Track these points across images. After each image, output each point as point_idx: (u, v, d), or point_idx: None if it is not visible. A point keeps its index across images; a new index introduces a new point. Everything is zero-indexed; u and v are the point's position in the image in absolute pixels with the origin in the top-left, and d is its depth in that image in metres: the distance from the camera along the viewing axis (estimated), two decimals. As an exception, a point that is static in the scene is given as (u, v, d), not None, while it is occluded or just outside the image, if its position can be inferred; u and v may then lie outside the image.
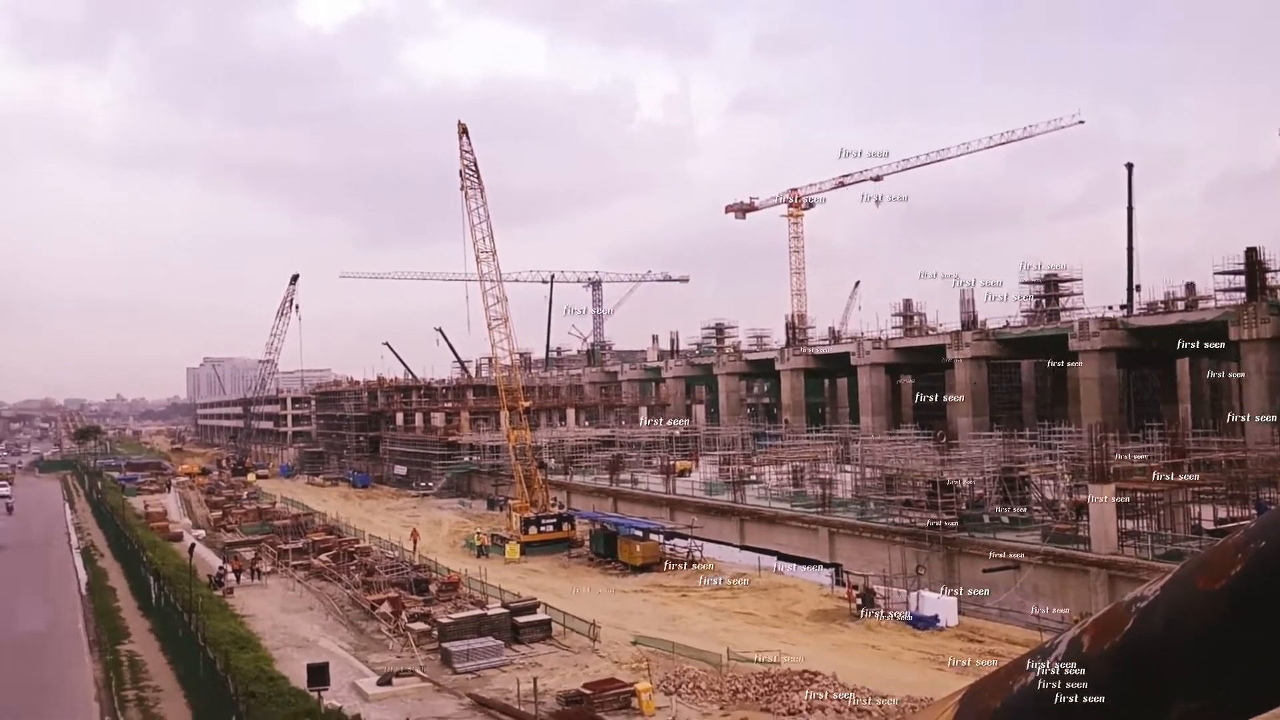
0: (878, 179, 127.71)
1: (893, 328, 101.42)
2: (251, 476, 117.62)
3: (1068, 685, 1.70)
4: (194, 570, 38.65)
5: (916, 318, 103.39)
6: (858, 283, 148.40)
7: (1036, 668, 1.80)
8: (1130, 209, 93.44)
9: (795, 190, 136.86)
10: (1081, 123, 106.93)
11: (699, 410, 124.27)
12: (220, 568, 50.33)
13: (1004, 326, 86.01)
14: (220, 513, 79.68)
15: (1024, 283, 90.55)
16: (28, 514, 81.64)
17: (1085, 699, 1.61)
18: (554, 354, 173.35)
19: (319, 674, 25.76)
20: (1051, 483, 49.53)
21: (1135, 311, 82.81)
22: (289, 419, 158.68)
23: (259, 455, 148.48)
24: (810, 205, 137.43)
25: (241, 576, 49.80)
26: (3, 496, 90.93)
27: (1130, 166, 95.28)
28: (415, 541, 58.87)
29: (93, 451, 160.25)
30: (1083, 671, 1.64)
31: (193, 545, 57.88)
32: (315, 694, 24.55)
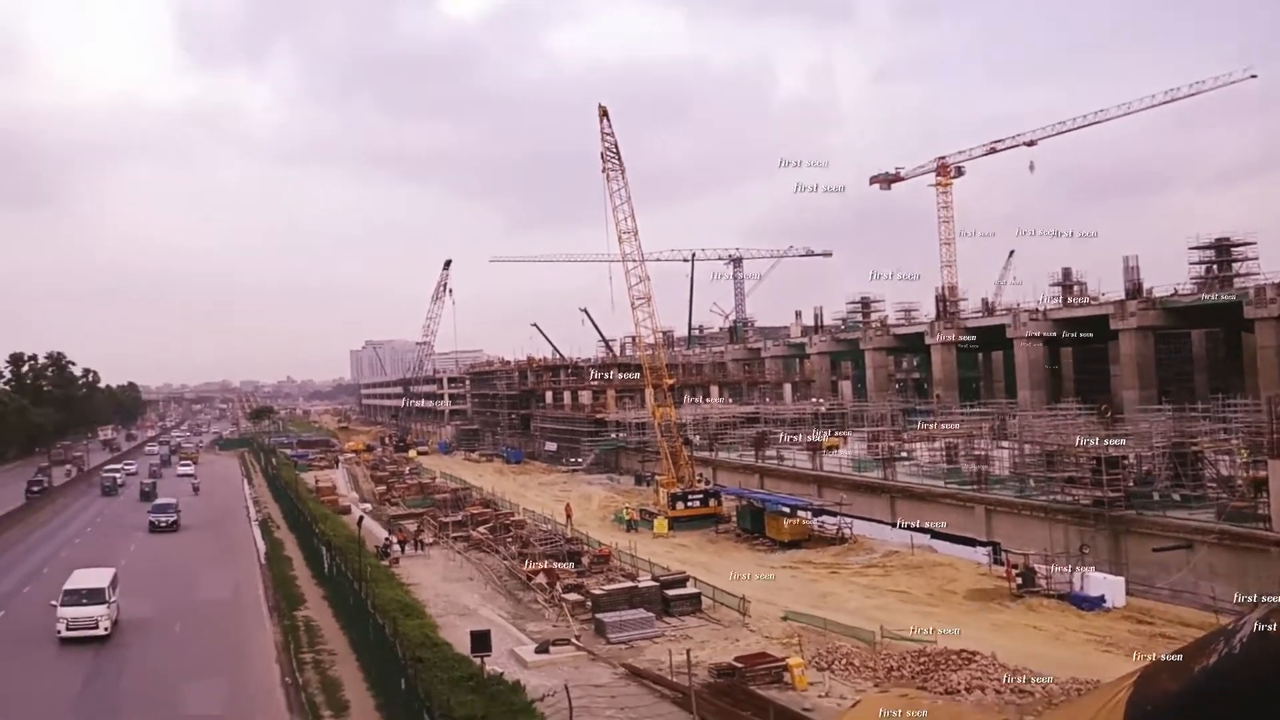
0: (1031, 144, 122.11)
1: (1050, 298, 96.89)
2: (412, 453, 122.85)
3: (1257, 669, 1.66)
4: (362, 541, 40.72)
5: (1076, 287, 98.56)
6: (1012, 252, 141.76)
7: (1221, 650, 1.77)
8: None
9: (943, 158, 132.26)
10: (1254, 76, 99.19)
11: (845, 386, 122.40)
12: (386, 539, 52.73)
13: (1171, 295, 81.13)
14: (385, 487, 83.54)
15: (1193, 248, 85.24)
16: (210, 489, 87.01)
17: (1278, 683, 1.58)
18: (696, 332, 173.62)
19: (482, 641, 26.71)
20: (1227, 458, 46.52)
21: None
22: (445, 398, 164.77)
23: (419, 432, 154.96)
24: (960, 173, 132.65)
25: (406, 547, 52.06)
26: (188, 476, 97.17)
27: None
28: (569, 516, 60.35)
29: (266, 430, 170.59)
30: (1273, 655, 1.62)
31: (360, 518, 61.16)
32: (478, 660, 25.52)
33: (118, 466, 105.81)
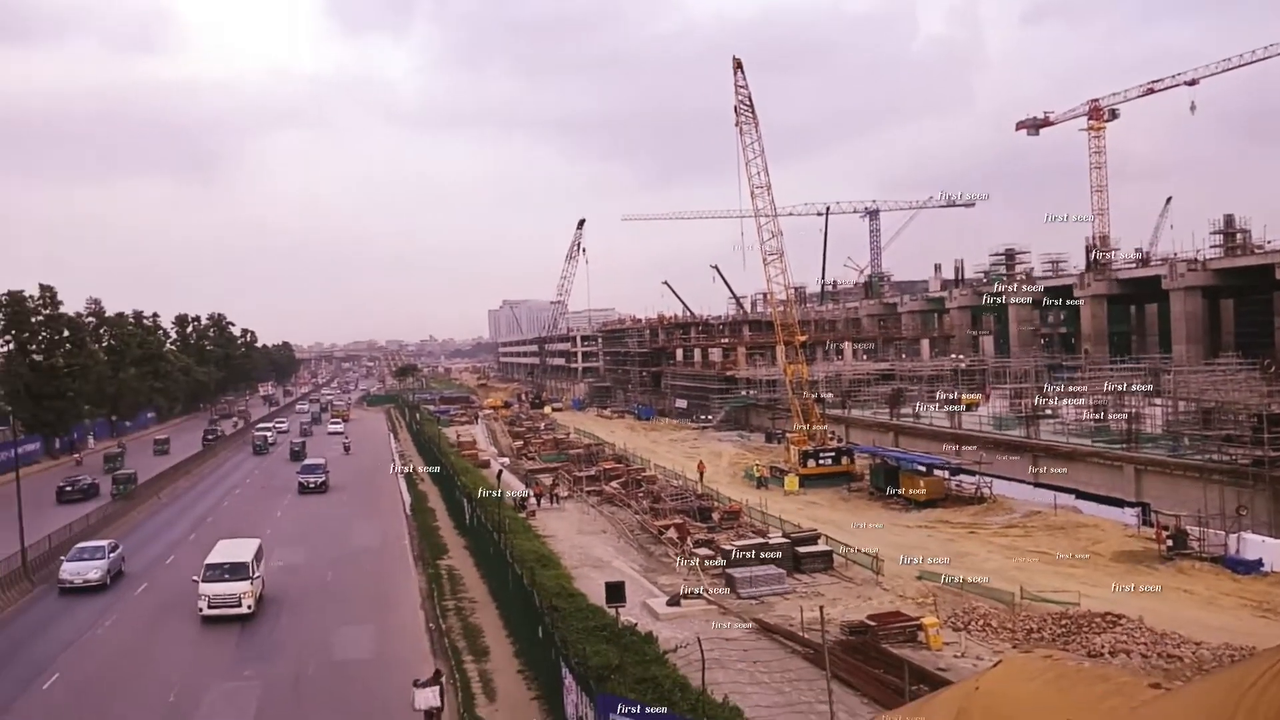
0: (1193, 83, 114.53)
1: (1210, 247, 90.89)
2: (548, 409, 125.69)
3: None
4: (501, 494, 41.94)
5: (1239, 235, 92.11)
6: (1169, 199, 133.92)
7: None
8: None
9: (1096, 101, 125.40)
10: None
11: (986, 342, 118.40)
12: (524, 492, 54.28)
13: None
14: (521, 442, 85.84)
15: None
16: (359, 446, 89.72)
17: None
18: (830, 287, 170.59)
19: (616, 592, 27.23)
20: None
21: None
22: (579, 356, 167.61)
23: (553, 390, 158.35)
24: (1113, 116, 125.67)
25: (542, 500, 53.52)
26: (338, 434, 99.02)
27: None
28: (701, 473, 60.74)
29: (410, 387, 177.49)
30: None
31: (499, 471, 63.21)
32: (612, 610, 26.02)
33: (269, 425, 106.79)
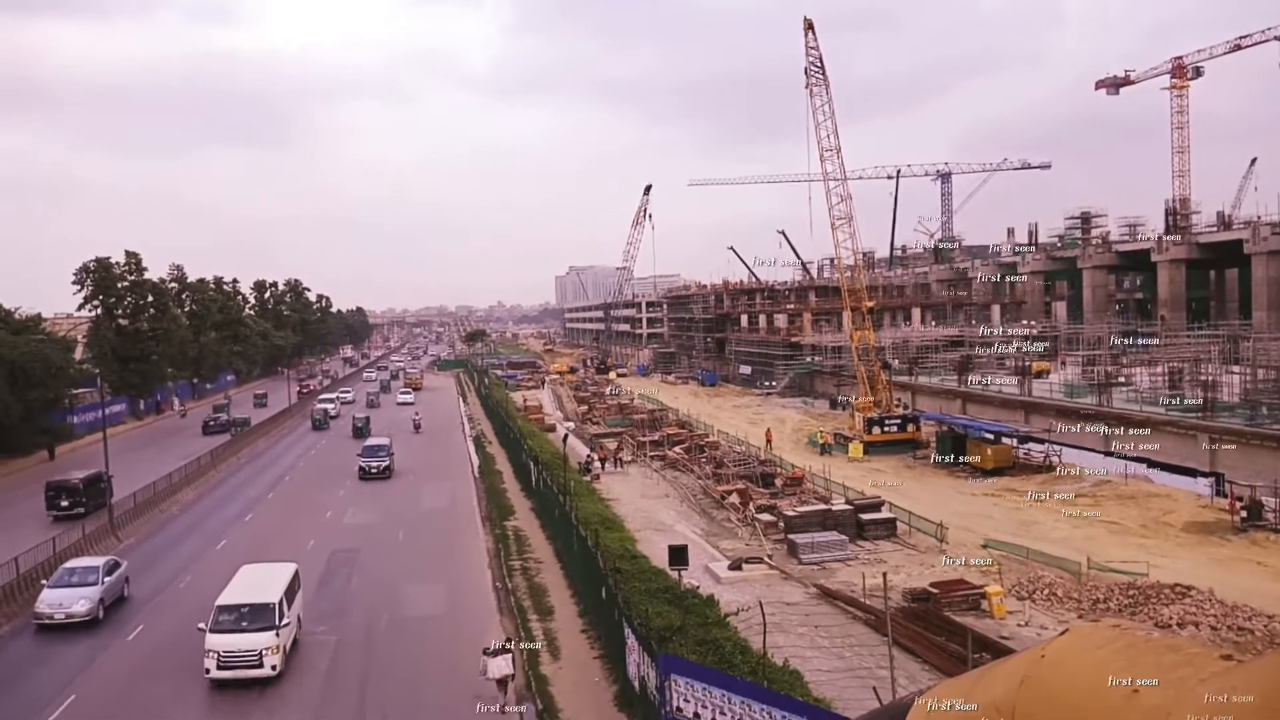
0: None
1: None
2: (612, 374, 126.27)
3: None
4: (566, 458, 42.28)
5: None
6: (1254, 160, 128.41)
7: None
8: None
9: (1179, 58, 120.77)
10: None
11: (1059, 308, 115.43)
12: (588, 455, 54.84)
13: None
14: (586, 407, 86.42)
15: None
16: (431, 414, 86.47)
17: None
18: (899, 252, 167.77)
19: (679, 555, 27.48)
20: None
21: None
22: (643, 322, 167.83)
23: (618, 355, 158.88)
24: (1198, 74, 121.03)
25: (606, 464, 53.99)
26: (408, 405, 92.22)
27: None
28: (769, 441, 60.43)
29: (479, 352, 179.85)
30: None
31: (565, 435, 63.65)
32: (675, 573, 26.25)
33: (331, 396, 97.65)
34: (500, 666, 21.47)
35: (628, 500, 44.62)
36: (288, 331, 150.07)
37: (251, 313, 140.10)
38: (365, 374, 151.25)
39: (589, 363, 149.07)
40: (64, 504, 43.53)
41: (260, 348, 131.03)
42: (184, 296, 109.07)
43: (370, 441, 59.59)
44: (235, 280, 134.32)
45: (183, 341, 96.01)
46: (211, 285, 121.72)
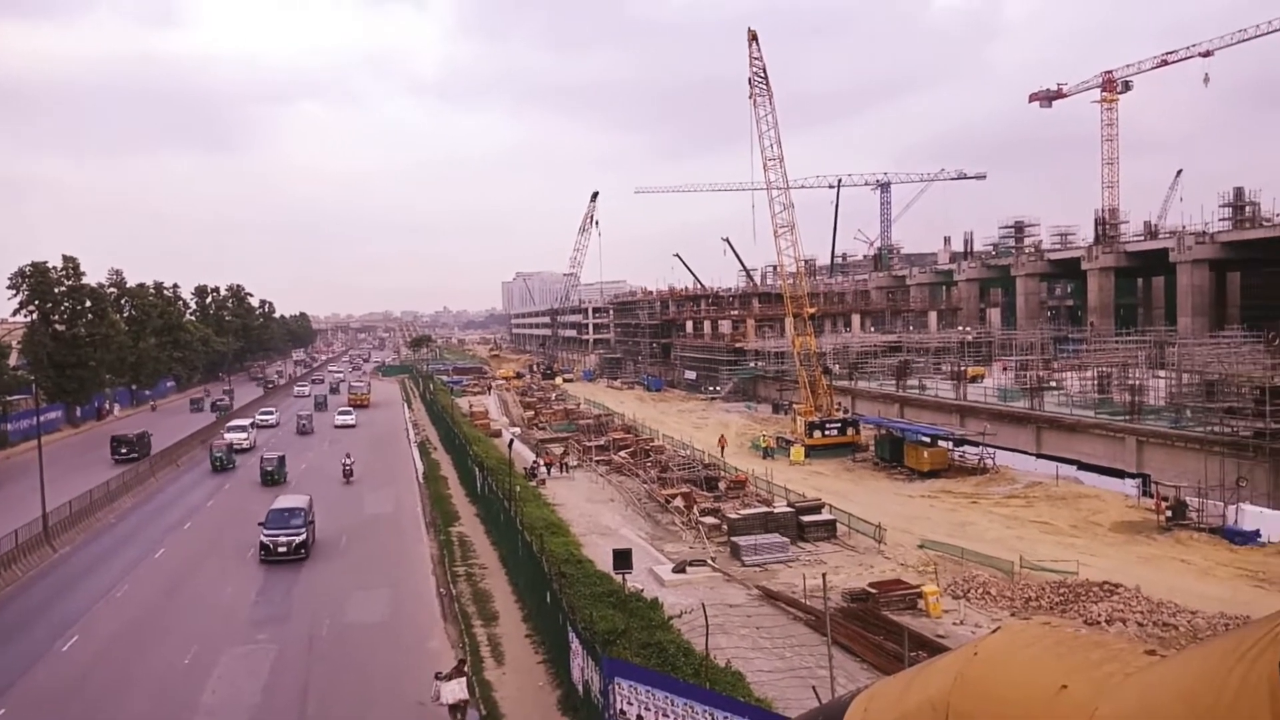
0: (1208, 54, 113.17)
1: (1220, 220, 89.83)
2: (559, 380, 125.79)
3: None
4: (512, 463, 42.05)
5: (1249, 208, 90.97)
6: (1179, 172, 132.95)
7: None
8: None
9: (1109, 72, 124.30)
10: None
11: (994, 314, 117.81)
12: (534, 461, 54.40)
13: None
14: (532, 412, 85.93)
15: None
16: (374, 415, 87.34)
17: None
18: (839, 260, 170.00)
19: (623, 559, 27.41)
20: None
21: None
22: (590, 327, 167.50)
23: (565, 361, 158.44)
24: (1127, 88, 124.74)
25: (552, 469, 53.60)
26: (347, 428, 78.07)
27: None
28: (723, 448, 60.18)
29: (425, 358, 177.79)
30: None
31: (511, 441, 63.24)
32: (619, 577, 26.16)
33: (243, 423, 72.39)
34: (454, 691, 20.10)
35: (573, 505, 44.39)
36: (229, 337, 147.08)
37: (193, 318, 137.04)
38: (297, 387, 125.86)
39: (535, 368, 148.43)
40: None
41: (201, 354, 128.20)
42: (123, 302, 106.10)
43: (282, 504, 38.80)
44: (176, 285, 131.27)
45: (121, 347, 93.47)
46: (151, 290, 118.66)
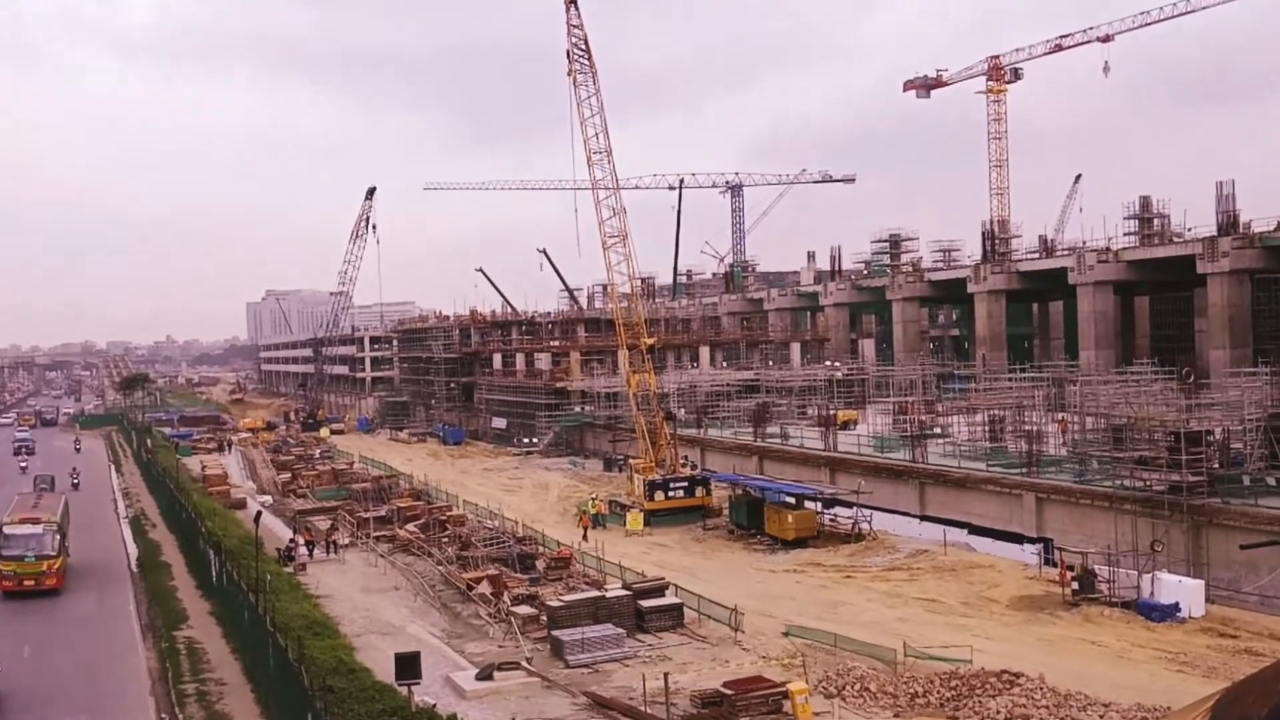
0: (1107, 39, 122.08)
1: (1125, 234, 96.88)
2: (324, 431, 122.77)
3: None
4: (260, 543, 40.43)
5: (1157, 221, 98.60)
6: (1078, 177, 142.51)
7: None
8: None
9: (996, 58, 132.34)
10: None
11: (867, 346, 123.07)
12: (290, 540, 52.83)
13: (1276, 229, 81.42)
14: (289, 475, 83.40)
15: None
16: (68, 480, 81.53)
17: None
18: (683, 278, 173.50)
19: (409, 666, 26.82)
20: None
21: None
22: (367, 362, 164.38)
23: (333, 406, 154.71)
24: (1016, 77, 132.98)
25: (315, 550, 52.22)
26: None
27: None
28: (585, 529, 57.90)
29: (140, 404, 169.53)
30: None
31: (258, 514, 60.52)
32: (404, 689, 25.61)
33: None
34: None
35: (344, 596, 43.60)
36: None
37: None
38: None
39: (293, 416, 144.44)
40: None
41: None
42: None
43: None
44: None
45: None
46: None
